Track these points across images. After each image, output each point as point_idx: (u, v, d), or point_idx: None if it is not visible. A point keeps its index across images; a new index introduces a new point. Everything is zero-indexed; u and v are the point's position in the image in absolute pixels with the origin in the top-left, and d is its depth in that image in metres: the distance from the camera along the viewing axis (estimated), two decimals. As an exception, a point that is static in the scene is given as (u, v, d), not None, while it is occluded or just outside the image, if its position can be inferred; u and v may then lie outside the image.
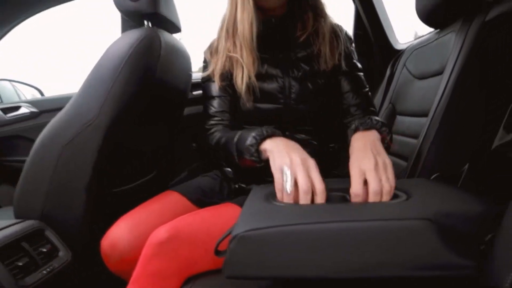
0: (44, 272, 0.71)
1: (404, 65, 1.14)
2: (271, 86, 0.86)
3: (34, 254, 0.72)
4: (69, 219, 0.82)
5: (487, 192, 0.61)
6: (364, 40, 1.41)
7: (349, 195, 0.58)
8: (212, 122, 0.90)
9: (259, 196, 0.62)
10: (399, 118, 1.12)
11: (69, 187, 0.81)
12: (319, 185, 0.56)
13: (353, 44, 0.97)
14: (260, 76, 0.85)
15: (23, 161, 1.41)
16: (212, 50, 0.92)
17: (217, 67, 0.88)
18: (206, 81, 0.92)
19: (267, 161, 0.67)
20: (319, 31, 0.89)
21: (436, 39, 0.97)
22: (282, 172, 0.59)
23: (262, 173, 0.81)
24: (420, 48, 1.06)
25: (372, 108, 0.93)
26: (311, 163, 0.60)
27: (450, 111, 0.77)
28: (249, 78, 0.83)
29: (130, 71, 0.81)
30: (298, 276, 0.47)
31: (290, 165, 0.59)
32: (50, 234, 0.78)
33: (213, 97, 0.90)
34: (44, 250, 0.75)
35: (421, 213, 0.46)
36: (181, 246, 0.66)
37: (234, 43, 0.85)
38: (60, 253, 0.77)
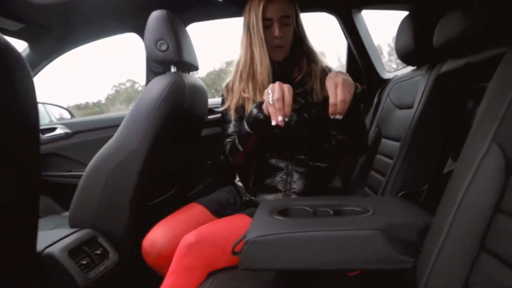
0: (101, 269, 0.93)
1: (388, 95, 1.35)
2: None
3: (92, 255, 0.94)
4: (115, 227, 1.03)
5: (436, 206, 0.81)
6: (355, 70, 1.62)
7: (332, 210, 0.79)
8: (228, 140, 1.13)
9: (264, 212, 0.82)
10: (383, 140, 1.33)
11: (115, 202, 1.03)
12: (287, 93, 0.83)
13: None
14: None
15: (58, 176, 1.65)
16: (228, 88, 1.16)
17: (232, 103, 1.11)
18: (224, 112, 1.15)
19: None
20: (311, 72, 1.11)
21: (410, 77, 1.18)
22: (267, 93, 0.85)
23: (266, 190, 1.05)
24: (400, 82, 1.27)
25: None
26: (286, 85, 0.85)
27: (415, 139, 0.98)
28: None
29: (163, 110, 1.04)
30: (293, 268, 0.68)
31: (271, 87, 0.85)
32: (101, 239, 1.00)
33: (229, 122, 1.13)
34: (99, 252, 0.96)
35: (376, 225, 0.67)
36: (205, 248, 0.87)
37: (248, 85, 1.08)
38: (110, 255, 0.99)
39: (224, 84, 1.19)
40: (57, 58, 1.69)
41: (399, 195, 0.94)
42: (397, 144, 1.16)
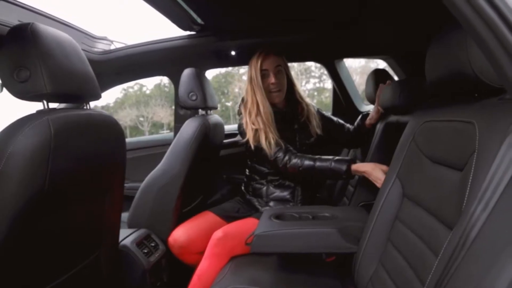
0: (156, 255, 1.37)
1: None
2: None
3: (150, 246, 1.37)
4: (162, 227, 1.47)
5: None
6: (339, 105, 2.06)
7: (311, 216, 1.22)
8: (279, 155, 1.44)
9: (266, 216, 1.25)
10: (357, 161, 1.75)
11: (163, 210, 1.47)
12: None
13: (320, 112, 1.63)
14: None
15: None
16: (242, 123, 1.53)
17: (250, 136, 1.49)
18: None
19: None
20: (309, 113, 1.55)
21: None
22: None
23: (279, 200, 1.49)
24: None
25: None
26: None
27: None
28: (273, 138, 1.43)
29: (195, 145, 1.48)
30: (283, 251, 1.11)
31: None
32: (154, 236, 1.44)
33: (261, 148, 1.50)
34: (153, 245, 1.40)
35: (334, 225, 1.09)
36: (229, 240, 1.31)
37: (257, 120, 1.45)
38: (160, 247, 1.43)
39: (240, 120, 1.56)
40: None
41: (359, 205, 1.36)
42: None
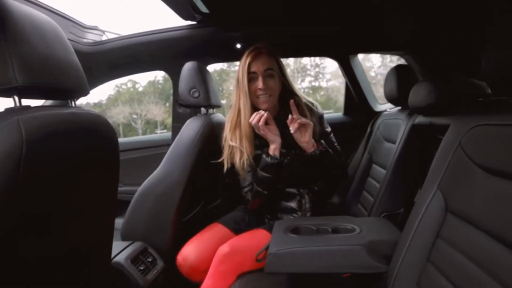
0: (154, 272, 1.21)
1: (378, 127, 1.63)
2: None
3: (146, 263, 1.22)
4: (160, 240, 1.31)
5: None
6: (352, 103, 1.91)
7: (330, 228, 1.07)
8: (245, 189, 1.37)
9: (280, 230, 1.10)
10: (373, 166, 1.61)
11: (160, 220, 1.31)
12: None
13: (324, 118, 1.42)
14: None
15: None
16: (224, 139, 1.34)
17: (225, 155, 1.33)
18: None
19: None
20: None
21: (395, 118, 1.46)
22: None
23: (285, 211, 1.35)
24: (387, 119, 1.55)
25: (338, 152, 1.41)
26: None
27: (396, 171, 1.26)
28: (247, 159, 1.28)
29: (198, 148, 1.32)
30: (302, 272, 0.96)
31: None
32: (151, 250, 1.28)
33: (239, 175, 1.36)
34: (150, 260, 1.24)
35: (361, 242, 0.95)
36: (236, 256, 1.16)
37: (235, 134, 1.29)
38: (158, 262, 1.27)
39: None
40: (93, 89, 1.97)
41: (382, 215, 1.22)
42: (384, 171, 1.45)
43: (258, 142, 1.32)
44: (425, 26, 1.49)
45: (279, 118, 1.34)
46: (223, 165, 1.35)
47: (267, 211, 1.40)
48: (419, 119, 1.19)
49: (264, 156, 1.24)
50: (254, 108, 1.29)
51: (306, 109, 1.34)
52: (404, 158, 1.23)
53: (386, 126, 1.55)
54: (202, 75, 1.42)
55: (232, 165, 1.32)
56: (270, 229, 1.26)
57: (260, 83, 1.26)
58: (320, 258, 0.95)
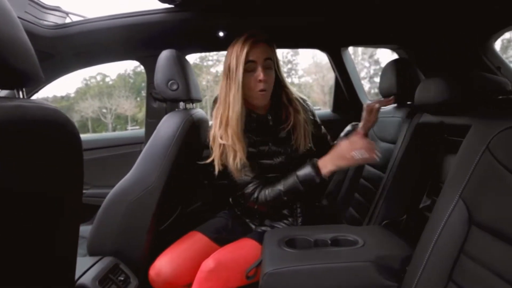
0: (126, 294, 1.04)
1: None
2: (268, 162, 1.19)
3: (117, 282, 1.04)
4: (134, 254, 1.14)
5: (411, 234, 0.99)
6: (341, 99, 1.80)
7: (329, 240, 0.95)
8: (249, 189, 1.16)
9: (273, 242, 0.97)
10: (366, 166, 1.51)
11: (134, 231, 1.14)
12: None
13: (315, 115, 1.30)
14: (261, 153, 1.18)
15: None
16: (213, 138, 1.16)
17: (216, 155, 1.15)
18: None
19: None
20: (297, 124, 1.19)
21: (392, 116, 1.36)
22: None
23: (275, 217, 1.22)
24: (382, 117, 1.44)
25: None
26: (359, 139, 1.06)
27: (397, 175, 1.16)
28: (241, 159, 1.11)
29: (177, 148, 1.15)
30: None
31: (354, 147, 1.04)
32: (123, 266, 1.10)
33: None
34: (122, 279, 1.07)
35: (368, 257, 0.83)
36: (222, 271, 1.01)
37: (226, 132, 1.11)
38: (131, 280, 1.10)
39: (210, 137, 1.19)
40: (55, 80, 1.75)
41: (383, 223, 1.12)
42: (379, 173, 1.35)
43: (254, 139, 1.17)
44: (421, 18, 1.40)
45: (270, 115, 1.20)
46: (207, 166, 1.19)
47: (254, 217, 1.26)
48: (426, 117, 1.09)
49: (311, 169, 1.07)
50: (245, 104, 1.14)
51: (299, 105, 1.21)
52: (406, 160, 1.13)
53: (381, 124, 1.45)
54: (181, 65, 1.25)
55: (225, 166, 1.16)
56: (258, 239, 1.13)
57: (261, 74, 1.09)
58: (324, 277, 0.82)
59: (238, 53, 1.08)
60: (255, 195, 1.13)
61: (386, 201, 1.15)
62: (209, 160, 1.18)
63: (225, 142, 1.11)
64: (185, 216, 1.58)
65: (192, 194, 1.72)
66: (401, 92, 1.26)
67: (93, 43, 1.51)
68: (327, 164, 1.06)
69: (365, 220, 1.18)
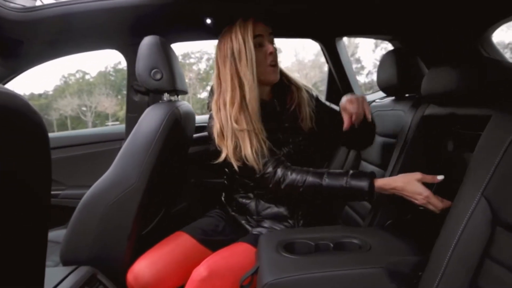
0: (104, 307, 0.92)
1: None
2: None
3: (94, 295, 0.93)
4: (114, 261, 1.02)
5: (420, 236, 0.91)
6: (335, 91, 1.72)
7: (332, 243, 0.86)
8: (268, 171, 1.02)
9: (271, 247, 0.87)
10: (362, 163, 1.43)
11: (113, 236, 1.02)
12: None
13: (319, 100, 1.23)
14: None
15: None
16: (218, 133, 1.05)
17: (230, 149, 1.03)
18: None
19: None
20: (301, 100, 1.15)
21: (392, 109, 1.28)
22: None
23: (274, 218, 1.12)
24: (380, 110, 1.37)
25: None
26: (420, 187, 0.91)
27: (403, 169, 1.08)
28: (264, 142, 1.02)
29: (161, 143, 1.04)
30: None
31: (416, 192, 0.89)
32: (101, 276, 0.98)
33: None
34: (99, 290, 0.95)
35: (376, 262, 0.75)
36: (215, 280, 0.91)
37: (240, 117, 1.02)
38: (110, 291, 0.98)
39: (213, 130, 1.07)
40: (28, 70, 1.59)
41: (387, 224, 1.04)
42: (377, 169, 1.27)
43: (266, 123, 1.07)
44: (418, 7, 1.33)
45: (273, 101, 1.13)
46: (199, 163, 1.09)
47: (251, 217, 1.15)
48: (433, 109, 1.01)
49: (366, 183, 0.94)
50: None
51: (298, 83, 1.17)
52: (411, 155, 1.05)
53: (378, 118, 1.37)
54: (165, 53, 1.14)
55: (242, 161, 1.03)
56: (253, 242, 1.03)
57: (270, 47, 1.05)
58: (330, 286, 0.73)
59: (242, 31, 1.03)
60: (280, 173, 1.00)
61: (389, 200, 1.07)
62: (221, 159, 1.05)
63: (243, 127, 1.02)
64: (169, 218, 1.47)
65: (177, 194, 1.60)
66: (401, 83, 1.18)
67: (68, 29, 1.37)
68: (385, 182, 0.94)
69: (366, 221, 1.10)
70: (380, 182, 0.94)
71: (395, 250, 0.83)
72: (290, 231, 1.03)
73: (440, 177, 0.87)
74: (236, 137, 1.03)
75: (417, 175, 0.89)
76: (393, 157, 1.10)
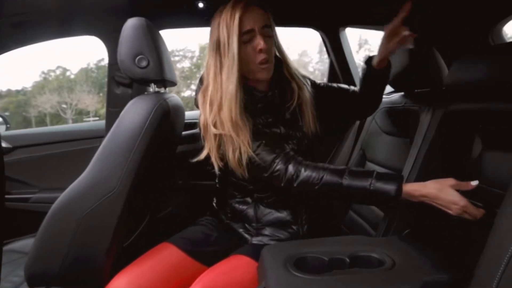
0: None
1: (374, 118, 1.33)
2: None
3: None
4: (89, 281, 0.87)
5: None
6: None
7: (347, 258, 0.74)
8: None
9: (278, 263, 0.74)
10: (368, 164, 1.31)
11: (88, 251, 0.86)
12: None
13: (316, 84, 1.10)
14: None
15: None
16: (203, 127, 0.93)
17: (213, 148, 0.91)
18: None
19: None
20: (303, 102, 1.00)
21: (403, 105, 1.16)
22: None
23: (277, 225, 1.00)
24: (389, 107, 1.25)
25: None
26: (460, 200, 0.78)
27: (418, 174, 0.96)
28: (244, 152, 0.88)
29: (147, 141, 0.89)
30: None
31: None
32: (73, 298, 0.83)
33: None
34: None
35: (405, 282, 0.63)
36: None
37: (220, 115, 0.89)
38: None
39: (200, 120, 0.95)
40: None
41: (404, 233, 0.92)
42: (385, 171, 1.15)
43: (266, 121, 0.96)
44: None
45: (272, 94, 0.98)
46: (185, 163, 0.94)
47: (249, 224, 1.02)
48: (458, 104, 0.90)
49: (394, 187, 0.81)
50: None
51: (301, 81, 1.01)
52: (431, 156, 0.94)
53: (387, 115, 1.26)
54: (152, 37, 0.99)
55: (226, 163, 0.92)
56: (253, 255, 0.90)
57: (261, 42, 0.87)
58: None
59: (228, 21, 0.86)
60: (291, 170, 0.87)
61: (405, 206, 0.95)
62: (203, 156, 0.92)
63: (219, 131, 0.88)
64: (155, 225, 1.31)
65: (164, 198, 1.45)
66: (416, 77, 1.07)
67: (36, 11, 1.20)
68: (415, 188, 0.82)
69: (379, 229, 0.98)
70: (409, 188, 0.81)
71: (425, 266, 0.71)
72: (296, 242, 0.90)
73: (475, 183, 0.76)
74: (219, 136, 0.90)
75: (451, 181, 0.78)
76: (410, 159, 0.99)
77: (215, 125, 0.89)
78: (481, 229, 0.68)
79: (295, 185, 0.87)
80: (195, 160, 0.93)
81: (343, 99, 1.11)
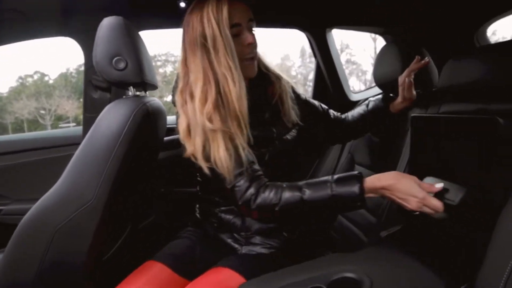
0: None
1: None
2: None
3: None
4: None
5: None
6: (322, 90, 1.57)
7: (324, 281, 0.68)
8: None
9: None
10: (357, 167, 1.29)
11: (64, 266, 0.80)
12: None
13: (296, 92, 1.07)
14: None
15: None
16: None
17: (197, 148, 0.83)
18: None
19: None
20: (282, 92, 0.98)
21: None
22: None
23: (266, 233, 0.95)
24: None
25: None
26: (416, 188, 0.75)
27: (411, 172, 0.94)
28: (244, 148, 0.82)
29: (126, 148, 0.83)
30: None
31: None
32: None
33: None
34: None
35: None
36: None
37: (215, 113, 0.82)
38: None
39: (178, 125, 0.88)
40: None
41: (394, 231, 0.88)
42: (373, 173, 1.13)
43: (253, 118, 0.87)
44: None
45: (253, 92, 0.90)
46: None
47: (238, 233, 0.96)
48: (451, 106, 0.88)
49: (355, 184, 0.76)
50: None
51: (284, 85, 0.99)
52: (424, 158, 0.91)
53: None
54: (131, 37, 0.93)
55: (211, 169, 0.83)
56: (238, 268, 0.85)
57: (250, 36, 0.84)
58: None
59: (215, 15, 0.81)
60: (252, 191, 0.80)
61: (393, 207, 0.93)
62: (188, 153, 0.84)
63: (216, 127, 0.80)
64: (136, 235, 1.24)
65: (145, 205, 1.38)
66: None
67: (8, 9, 1.12)
68: (374, 180, 0.77)
69: (370, 233, 0.95)
70: (368, 183, 0.76)
71: (406, 282, 0.66)
72: (273, 274, 0.78)
73: (439, 185, 0.73)
74: (205, 136, 0.82)
75: (413, 177, 0.74)
76: (401, 162, 0.96)
77: (210, 120, 0.81)
78: (471, 228, 0.65)
79: (252, 207, 0.80)
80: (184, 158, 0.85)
81: (322, 122, 1.11)
